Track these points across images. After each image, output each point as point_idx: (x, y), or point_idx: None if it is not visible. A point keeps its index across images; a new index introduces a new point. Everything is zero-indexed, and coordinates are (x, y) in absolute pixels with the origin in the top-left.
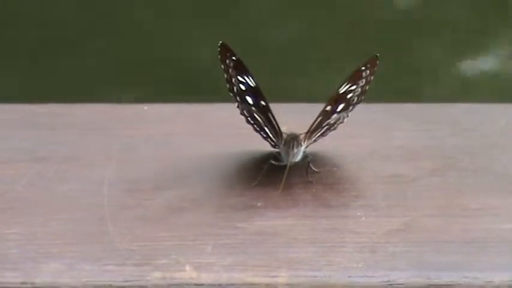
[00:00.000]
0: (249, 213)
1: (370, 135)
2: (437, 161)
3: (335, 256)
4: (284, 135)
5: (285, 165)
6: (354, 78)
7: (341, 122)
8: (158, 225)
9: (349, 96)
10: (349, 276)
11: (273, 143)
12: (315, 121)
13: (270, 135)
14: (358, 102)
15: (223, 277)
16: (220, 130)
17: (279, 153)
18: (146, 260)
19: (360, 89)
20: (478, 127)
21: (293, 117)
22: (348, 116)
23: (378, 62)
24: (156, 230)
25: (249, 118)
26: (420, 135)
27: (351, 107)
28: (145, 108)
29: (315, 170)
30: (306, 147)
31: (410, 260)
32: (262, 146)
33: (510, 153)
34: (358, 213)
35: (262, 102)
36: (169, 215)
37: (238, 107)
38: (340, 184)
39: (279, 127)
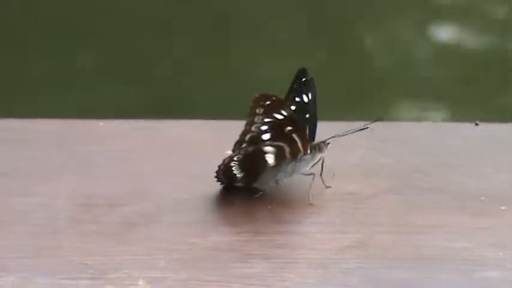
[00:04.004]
0: (204, 229)
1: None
2: (392, 179)
3: (288, 272)
4: None
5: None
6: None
7: None
8: (112, 240)
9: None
10: None
11: None
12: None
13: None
14: None
15: None
16: (174, 146)
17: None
18: (99, 274)
19: None
20: (433, 146)
21: None
22: None
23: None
24: (110, 245)
25: None
26: (376, 153)
27: None
28: (101, 124)
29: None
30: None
31: (363, 277)
32: (217, 161)
33: (465, 172)
34: (313, 230)
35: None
36: (123, 230)
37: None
38: (295, 201)
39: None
